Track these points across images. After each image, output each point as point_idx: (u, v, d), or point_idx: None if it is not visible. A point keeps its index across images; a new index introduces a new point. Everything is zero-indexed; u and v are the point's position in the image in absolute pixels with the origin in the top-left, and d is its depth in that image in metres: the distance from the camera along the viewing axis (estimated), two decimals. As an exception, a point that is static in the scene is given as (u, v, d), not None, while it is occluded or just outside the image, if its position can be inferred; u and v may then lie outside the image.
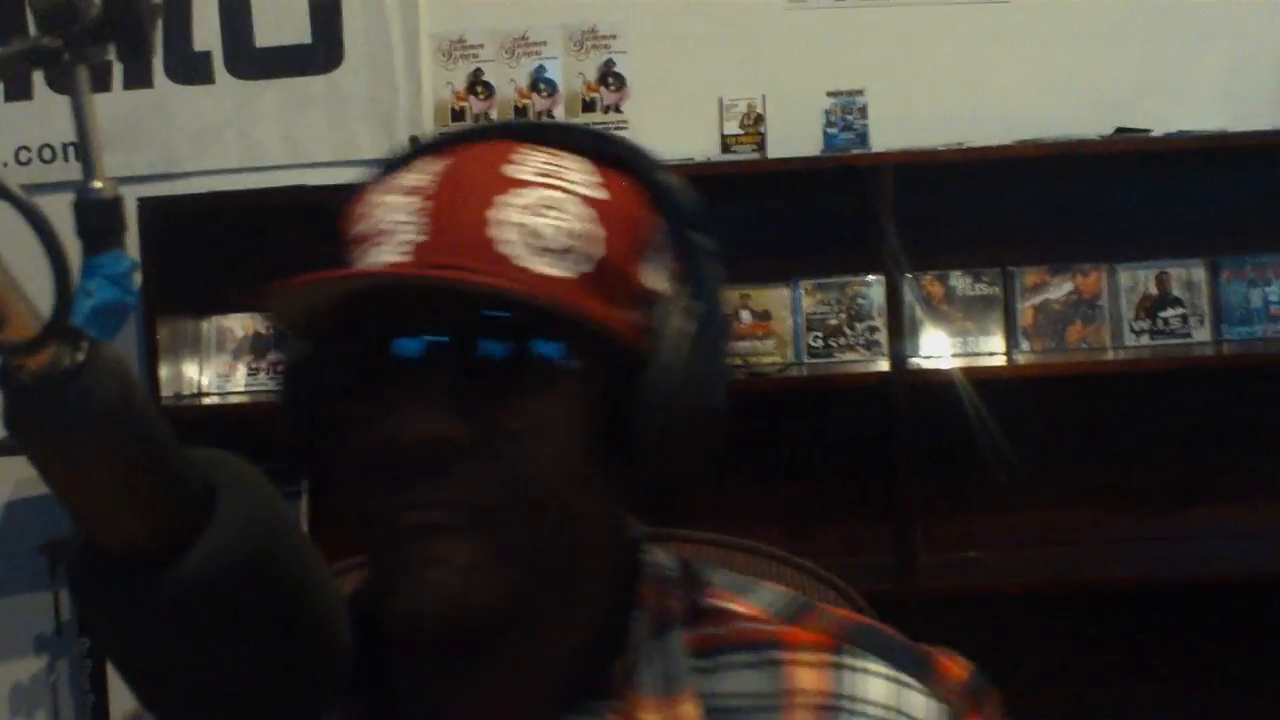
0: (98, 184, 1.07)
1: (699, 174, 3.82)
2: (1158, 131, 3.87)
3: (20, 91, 4.17)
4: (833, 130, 4.00)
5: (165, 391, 3.98)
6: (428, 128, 4.10)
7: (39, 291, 0.72)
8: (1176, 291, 3.97)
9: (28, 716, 4.29)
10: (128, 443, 0.75)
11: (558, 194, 1.06)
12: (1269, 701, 3.92)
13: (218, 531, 0.79)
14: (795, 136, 4.01)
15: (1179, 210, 4.01)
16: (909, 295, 3.94)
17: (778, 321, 4.01)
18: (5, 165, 4.19)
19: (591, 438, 1.05)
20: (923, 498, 3.88)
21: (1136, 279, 3.97)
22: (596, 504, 1.09)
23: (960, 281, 4.01)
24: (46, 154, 4.20)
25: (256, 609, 0.82)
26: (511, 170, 1.07)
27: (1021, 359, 3.96)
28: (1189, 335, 3.96)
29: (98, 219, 1.07)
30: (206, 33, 4.20)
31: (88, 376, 0.73)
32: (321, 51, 4.19)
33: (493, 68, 4.16)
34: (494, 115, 4.13)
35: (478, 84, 4.16)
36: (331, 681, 0.88)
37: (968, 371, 3.85)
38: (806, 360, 4.01)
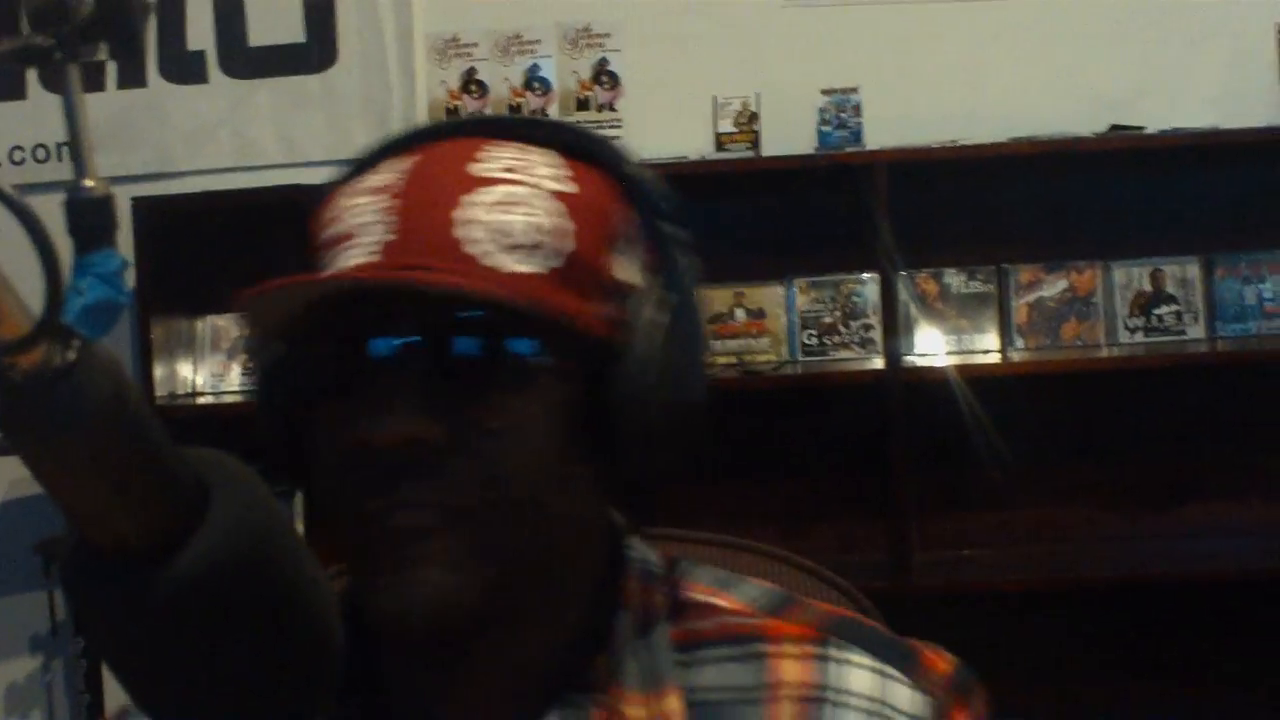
0: (89, 183, 1.07)
1: (693, 172, 3.83)
2: (1152, 129, 3.87)
3: (14, 91, 4.17)
4: (827, 128, 4.00)
5: (160, 391, 3.98)
6: (422, 127, 4.10)
7: (30, 290, 0.72)
8: (1171, 289, 3.97)
9: (23, 716, 4.29)
10: (120, 441, 0.75)
11: (525, 189, 1.05)
12: (1263, 699, 3.92)
13: (211, 531, 0.79)
14: (790, 135, 4.01)
15: (1173, 207, 4.01)
16: (903, 293, 3.94)
17: (772, 320, 4.02)
18: (-1, 165, 4.19)
19: (569, 433, 1.05)
20: (917, 495, 3.88)
21: (1131, 276, 3.97)
22: (577, 500, 1.09)
23: (955, 279, 4.01)
24: (40, 154, 4.20)
25: (250, 608, 0.82)
26: (478, 167, 1.06)
27: (1016, 357, 3.96)
28: (1183, 332, 3.96)
29: (89, 218, 1.07)
30: (200, 32, 4.20)
31: (79, 375, 0.72)
32: (315, 50, 4.18)
33: (487, 66, 4.16)
34: (488, 114, 4.12)
35: (472, 83, 4.16)
36: (324, 681, 0.88)
37: (962, 369, 3.85)
38: (801, 358, 4.01)
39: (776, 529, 3.96)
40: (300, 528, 1.01)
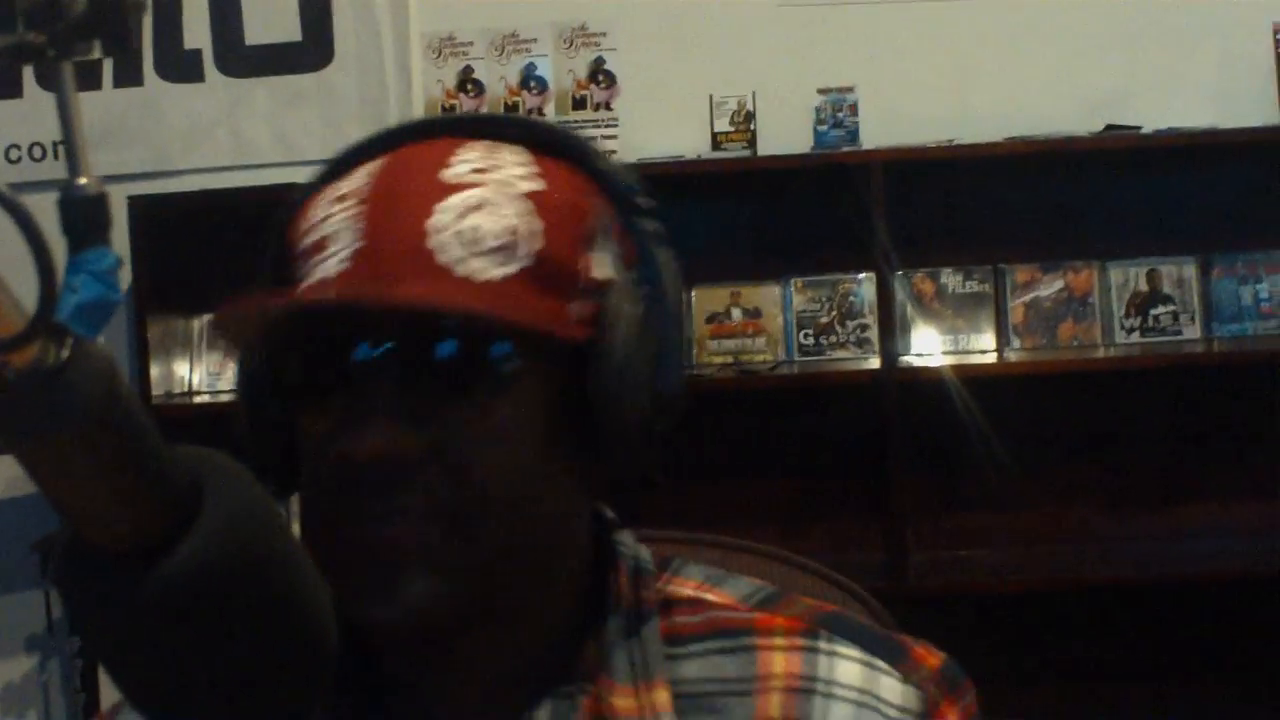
0: (82, 180, 1.07)
1: (689, 172, 3.83)
2: (1148, 129, 3.87)
3: (10, 89, 4.16)
4: (823, 128, 4.00)
5: (156, 390, 3.98)
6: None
7: (23, 288, 0.71)
8: (1167, 289, 3.97)
9: (19, 716, 4.28)
10: (113, 440, 0.75)
11: (495, 191, 1.06)
12: (1259, 699, 3.92)
13: (203, 530, 0.79)
14: (785, 134, 4.01)
15: (1169, 207, 4.01)
16: (900, 293, 3.94)
17: (769, 319, 4.01)
18: (-5, 164, 4.19)
19: (549, 433, 1.06)
20: (913, 496, 3.88)
21: (1127, 276, 3.97)
22: (560, 498, 1.10)
23: (951, 279, 4.01)
24: (37, 152, 4.19)
25: (243, 607, 0.82)
26: (448, 172, 1.07)
27: (1013, 357, 3.96)
28: (1179, 333, 3.96)
29: (82, 215, 1.07)
30: (197, 31, 4.19)
31: (72, 373, 0.72)
32: (312, 49, 4.18)
33: (483, 65, 4.16)
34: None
35: (468, 82, 4.16)
36: (320, 680, 0.88)
37: (958, 369, 3.85)
38: (797, 358, 4.01)
39: (772, 529, 3.95)
40: (296, 528, 1.01)
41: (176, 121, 4.21)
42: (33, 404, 0.72)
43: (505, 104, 4.13)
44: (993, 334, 4.00)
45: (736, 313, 4.01)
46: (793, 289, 4.01)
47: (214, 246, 3.94)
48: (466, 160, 1.08)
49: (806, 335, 4.00)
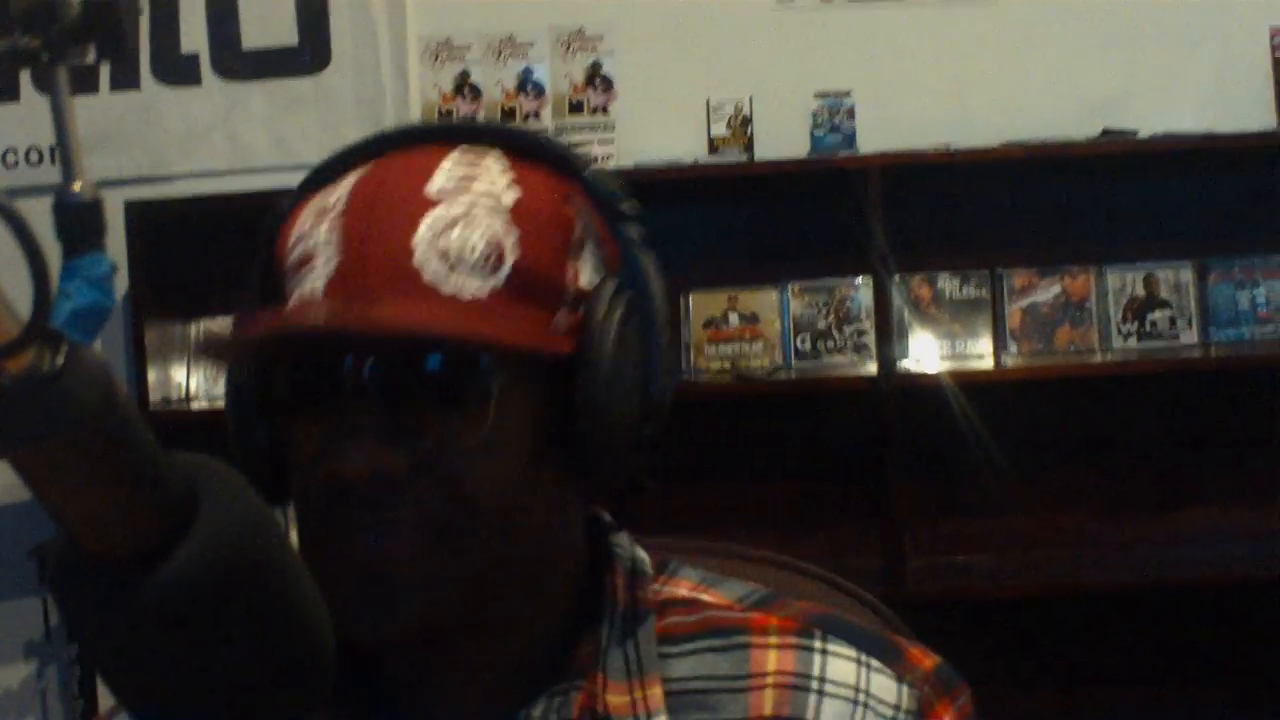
0: (77, 186, 1.07)
1: (686, 176, 3.83)
2: (1144, 133, 3.87)
3: (6, 93, 4.15)
4: (820, 131, 4.00)
5: (153, 395, 3.97)
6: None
7: (17, 294, 0.71)
8: (1164, 293, 3.96)
9: (16, 721, 4.28)
10: (108, 446, 0.75)
11: (476, 202, 1.06)
12: (1257, 704, 3.92)
13: (198, 538, 0.79)
14: (782, 137, 4.00)
15: (1166, 212, 4.01)
16: (897, 298, 3.93)
17: (766, 324, 4.01)
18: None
19: (536, 442, 1.07)
20: (911, 501, 3.88)
21: (1124, 281, 3.97)
22: (550, 506, 1.10)
23: (948, 284, 4.00)
24: (33, 156, 4.19)
25: (239, 613, 0.82)
26: (429, 183, 1.07)
27: (1010, 362, 3.96)
28: (1176, 338, 3.95)
29: (77, 221, 1.07)
30: (193, 34, 4.19)
31: (68, 380, 0.72)
32: (309, 53, 4.18)
33: (480, 69, 4.16)
34: (481, 117, 4.12)
35: (465, 85, 4.15)
36: (318, 687, 0.88)
37: (956, 375, 3.85)
38: (795, 363, 4.00)
39: (770, 534, 3.95)
40: (293, 534, 1.01)
41: (173, 125, 4.20)
42: (27, 410, 0.72)
43: (502, 108, 4.13)
44: (990, 339, 4.00)
45: (734, 318, 4.00)
46: (790, 294, 4.01)
47: (211, 251, 3.94)
48: (448, 171, 1.08)
49: (803, 340, 4.00)
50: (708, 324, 3.98)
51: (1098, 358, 3.95)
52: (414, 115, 4.12)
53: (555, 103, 4.13)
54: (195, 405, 4.10)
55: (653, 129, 4.06)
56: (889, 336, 3.84)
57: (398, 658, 1.12)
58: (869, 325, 3.95)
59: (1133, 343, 3.96)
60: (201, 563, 0.79)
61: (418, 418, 1.02)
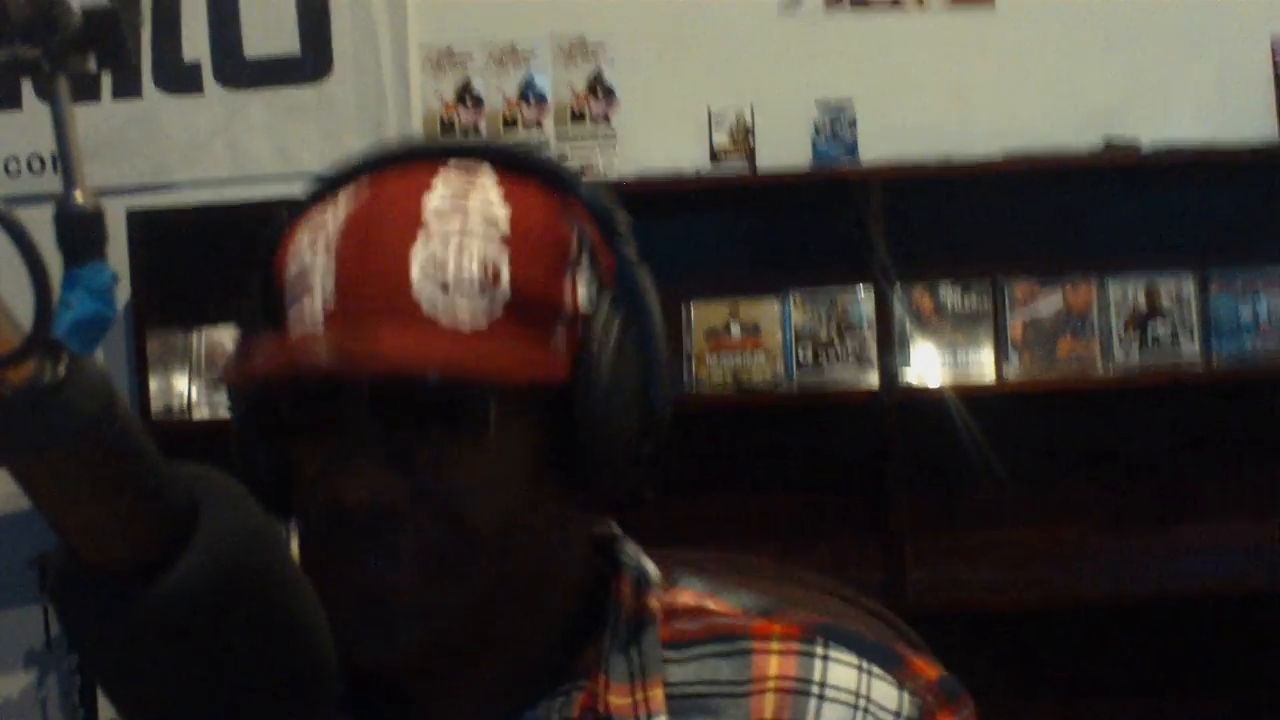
0: (78, 196, 1.07)
1: (688, 187, 3.83)
2: (1146, 143, 3.87)
3: (8, 101, 4.15)
4: (821, 140, 3.99)
5: (155, 405, 3.97)
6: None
7: (18, 304, 0.71)
8: (1166, 304, 3.95)
9: (16, 730, 4.27)
10: (108, 457, 0.75)
11: (469, 223, 1.05)
12: (1260, 716, 3.92)
13: (198, 550, 0.79)
14: (784, 146, 4.00)
15: (1168, 223, 4.01)
16: (898, 308, 3.93)
17: (767, 335, 3.99)
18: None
19: (538, 463, 1.07)
20: (912, 513, 3.87)
21: (1126, 292, 3.96)
22: (552, 524, 1.10)
23: (949, 294, 3.99)
24: (35, 165, 4.19)
25: (240, 625, 0.82)
26: (423, 205, 1.06)
27: (1011, 374, 3.95)
28: (1178, 349, 3.94)
29: (78, 232, 1.07)
30: (195, 43, 4.19)
31: (68, 390, 0.72)
32: (310, 61, 4.18)
33: (482, 78, 4.16)
34: (483, 126, 4.13)
35: (466, 94, 4.15)
36: (317, 698, 0.88)
37: (957, 387, 3.86)
38: (796, 374, 3.99)
39: (771, 546, 3.95)
40: (295, 545, 1.01)
41: (174, 133, 4.20)
42: (28, 421, 0.72)
43: (504, 117, 4.13)
44: (991, 350, 3.99)
45: (735, 328, 4.00)
46: (791, 303, 4.00)
47: (212, 260, 3.94)
48: (440, 192, 1.07)
49: (805, 350, 3.99)
50: (709, 334, 3.97)
51: (1099, 369, 3.94)
52: (416, 124, 4.13)
53: (557, 112, 4.13)
54: (197, 415, 4.10)
55: (654, 138, 4.06)
56: (890, 347, 3.84)
57: (400, 675, 1.12)
58: (870, 335, 3.94)
59: (1134, 355, 3.95)
60: (202, 574, 0.79)
61: (418, 442, 1.02)
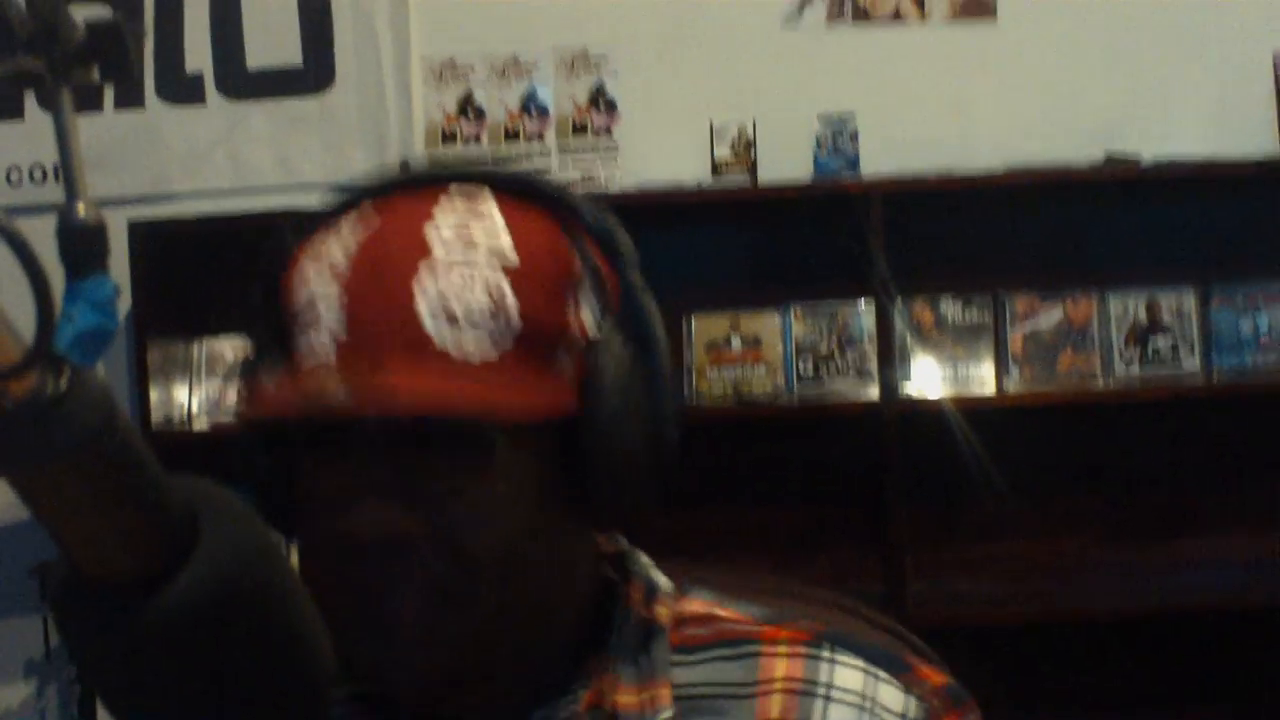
0: (80, 209, 1.07)
1: (689, 200, 3.83)
2: (1147, 158, 3.87)
3: (11, 111, 4.16)
4: (823, 154, 3.99)
5: (156, 416, 3.97)
6: (419, 149, 4.10)
7: (20, 317, 0.71)
8: (1166, 319, 3.95)
9: (16, 741, 4.27)
10: (109, 471, 0.75)
11: (475, 253, 1.05)
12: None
13: (199, 564, 0.79)
14: (785, 159, 4.00)
15: (1169, 237, 4.01)
16: (899, 322, 3.93)
17: (768, 348, 3.99)
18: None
19: (546, 492, 1.07)
20: (912, 526, 3.87)
21: (1126, 306, 3.96)
22: (559, 550, 1.10)
23: (950, 308, 3.99)
24: (37, 175, 4.19)
25: (239, 638, 0.82)
26: (427, 236, 1.06)
27: (1011, 387, 3.95)
28: (1179, 364, 3.94)
29: (80, 245, 1.07)
30: (197, 53, 4.19)
31: (70, 404, 0.72)
32: (313, 73, 4.18)
33: (484, 90, 4.16)
34: (484, 138, 4.13)
35: (469, 106, 4.16)
36: (318, 711, 0.88)
37: (958, 400, 3.86)
38: (797, 387, 3.99)
39: (771, 558, 3.95)
40: (294, 558, 1.02)
41: (176, 144, 4.20)
42: (29, 434, 0.72)
43: (505, 129, 4.13)
44: (991, 364, 3.99)
45: (736, 341, 4.00)
46: (792, 317, 4.00)
47: (214, 271, 3.94)
48: (444, 221, 1.07)
49: (805, 364, 3.99)
50: (710, 347, 3.97)
51: (1099, 384, 3.93)
52: (417, 136, 4.13)
53: (559, 124, 4.14)
54: (197, 426, 4.10)
55: (656, 150, 4.06)
56: (891, 360, 3.85)
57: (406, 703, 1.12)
58: (871, 349, 3.94)
59: (1135, 369, 3.95)
60: (203, 587, 0.79)
61: (425, 475, 1.02)
